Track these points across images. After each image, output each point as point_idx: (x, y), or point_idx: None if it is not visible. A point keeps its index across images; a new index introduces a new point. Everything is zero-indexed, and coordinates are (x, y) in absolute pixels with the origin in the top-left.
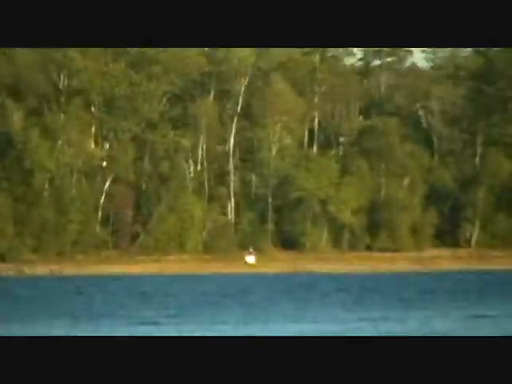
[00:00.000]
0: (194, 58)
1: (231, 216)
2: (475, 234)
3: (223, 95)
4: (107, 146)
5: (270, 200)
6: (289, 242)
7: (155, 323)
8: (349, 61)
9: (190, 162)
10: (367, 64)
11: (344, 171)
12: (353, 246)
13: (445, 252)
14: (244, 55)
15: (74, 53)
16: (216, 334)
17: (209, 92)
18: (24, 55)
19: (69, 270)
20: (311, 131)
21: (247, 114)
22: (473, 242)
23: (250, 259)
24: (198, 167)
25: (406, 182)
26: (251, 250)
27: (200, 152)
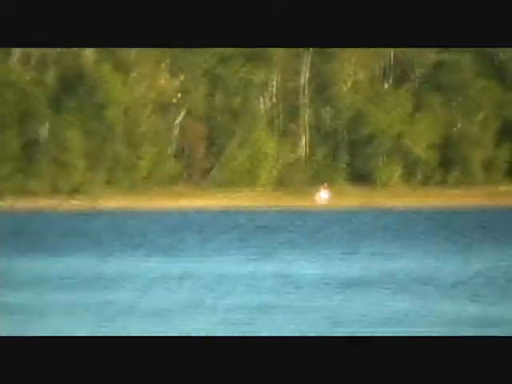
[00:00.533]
0: None
1: (304, 150)
2: None
3: None
4: (181, 78)
5: (344, 134)
6: (361, 178)
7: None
8: None
9: (264, 96)
10: None
11: (417, 106)
12: (425, 182)
13: None
14: None
15: None
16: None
17: None
18: None
19: (142, 203)
20: (386, 66)
21: (320, 49)
22: None
23: (324, 196)
24: (272, 101)
25: (479, 117)
26: (325, 185)
27: (273, 87)
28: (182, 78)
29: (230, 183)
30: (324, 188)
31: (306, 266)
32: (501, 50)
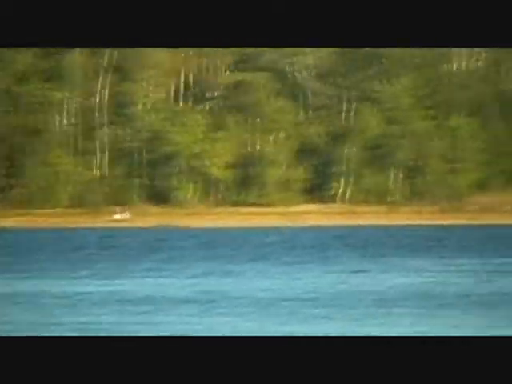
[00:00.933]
0: None
1: (101, 170)
2: (346, 189)
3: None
4: None
5: (141, 154)
6: (159, 197)
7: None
8: None
9: (61, 115)
10: None
11: (214, 126)
12: (222, 202)
13: (314, 207)
14: None
15: None
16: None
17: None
18: None
19: None
20: (183, 85)
21: (119, 68)
22: (343, 197)
23: (120, 216)
24: (69, 121)
25: (276, 137)
26: (117, 209)
27: (71, 106)
28: None
29: (28, 202)
30: (119, 210)
31: None
32: (296, 70)
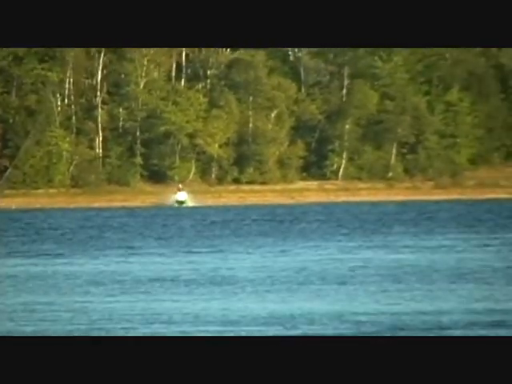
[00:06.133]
0: None
1: (99, 150)
2: (342, 166)
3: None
4: None
5: (138, 134)
6: (157, 176)
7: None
8: None
9: (58, 95)
10: None
11: (212, 104)
12: (221, 180)
13: (312, 184)
14: None
15: None
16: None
17: None
18: None
19: None
20: (179, 64)
21: (114, 48)
22: (340, 174)
23: (181, 196)
24: (66, 101)
25: (273, 114)
26: (180, 186)
27: (67, 86)
28: None
29: (25, 182)
30: (179, 189)
31: None
32: (295, 48)
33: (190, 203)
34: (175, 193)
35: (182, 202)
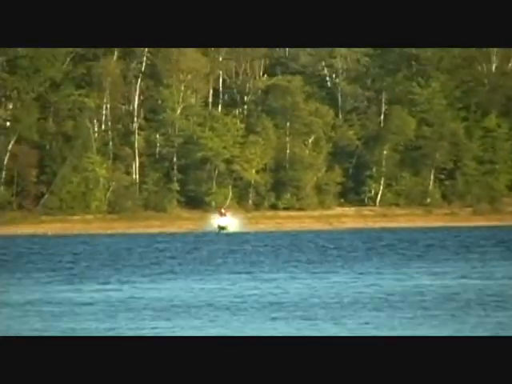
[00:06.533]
0: None
1: (136, 176)
2: (380, 192)
3: (127, 54)
4: (10, 106)
5: (174, 160)
6: (194, 202)
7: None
8: None
9: (95, 121)
10: None
11: (249, 130)
12: (258, 205)
13: (349, 210)
14: None
15: None
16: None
17: (113, 51)
18: None
19: None
20: (216, 90)
21: (151, 74)
22: (377, 200)
23: (223, 221)
24: (103, 127)
25: (310, 140)
26: (223, 210)
27: (104, 112)
28: (12, 103)
29: (62, 209)
30: (220, 213)
31: None
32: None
33: (231, 229)
34: (217, 218)
35: (223, 228)
